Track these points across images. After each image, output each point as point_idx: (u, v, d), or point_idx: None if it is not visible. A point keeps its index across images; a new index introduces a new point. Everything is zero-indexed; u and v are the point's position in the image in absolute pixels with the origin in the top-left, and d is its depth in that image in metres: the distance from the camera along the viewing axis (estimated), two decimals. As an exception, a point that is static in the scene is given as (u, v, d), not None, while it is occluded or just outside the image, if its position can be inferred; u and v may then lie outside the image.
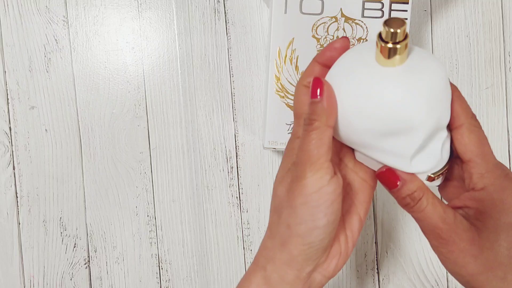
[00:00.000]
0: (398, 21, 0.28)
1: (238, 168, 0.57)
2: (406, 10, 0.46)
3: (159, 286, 0.57)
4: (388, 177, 0.31)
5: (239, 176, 0.57)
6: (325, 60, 0.33)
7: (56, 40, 0.56)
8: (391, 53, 0.29)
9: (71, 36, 0.56)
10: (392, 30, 0.28)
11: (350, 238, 0.33)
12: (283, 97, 0.47)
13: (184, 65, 0.56)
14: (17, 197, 0.56)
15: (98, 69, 0.56)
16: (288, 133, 0.47)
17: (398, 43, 0.28)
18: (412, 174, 0.31)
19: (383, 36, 0.29)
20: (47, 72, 0.56)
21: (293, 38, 0.46)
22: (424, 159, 0.31)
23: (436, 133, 0.31)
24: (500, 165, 0.31)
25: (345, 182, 0.33)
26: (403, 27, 0.28)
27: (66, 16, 0.56)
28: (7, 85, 0.56)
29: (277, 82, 0.46)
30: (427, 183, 0.32)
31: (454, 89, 0.31)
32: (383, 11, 0.46)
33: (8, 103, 0.56)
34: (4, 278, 0.56)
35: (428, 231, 0.31)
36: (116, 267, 0.57)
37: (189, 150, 0.56)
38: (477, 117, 0.32)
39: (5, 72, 0.55)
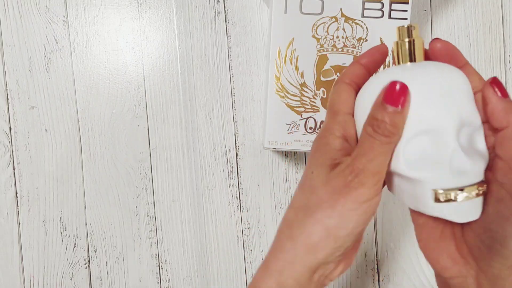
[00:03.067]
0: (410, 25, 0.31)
1: (238, 168, 0.57)
2: (406, 10, 0.46)
3: (159, 286, 0.57)
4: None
5: (239, 176, 0.57)
6: (367, 62, 0.32)
7: (56, 40, 0.56)
8: (410, 49, 0.31)
9: (71, 36, 0.56)
10: (406, 25, 0.31)
11: (356, 247, 0.33)
12: (283, 97, 0.47)
13: (184, 65, 0.56)
14: (17, 197, 0.56)
15: (98, 69, 0.56)
16: (288, 133, 0.47)
17: (414, 39, 0.30)
18: None
19: (398, 36, 0.31)
20: (47, 72, 0.56)
21: (293, 38, 0.46)
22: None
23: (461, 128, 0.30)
24: None
25: None
26: (415, 24, 0.31)
27: (66, 16, 0.56)
28: (7, 85, 0.56)
29: (277, 82, 0.46)
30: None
31: (437, 40, 0.31)
32: (383, 11, 0.46)
33: (8, 103, 0.56)
34: (4, 278, 0.56)
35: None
36: (116, 267, 0.57)
37: (189, 150, 0.56)
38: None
39: (5, 72, 0.55)
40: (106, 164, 0.56)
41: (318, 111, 0.47)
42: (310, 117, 0.47)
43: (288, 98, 0.47)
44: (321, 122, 0.47)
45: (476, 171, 0.29)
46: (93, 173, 0.56)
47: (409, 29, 0.30)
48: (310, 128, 0.47)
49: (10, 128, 0.56)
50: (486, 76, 0.57)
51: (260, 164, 0.57)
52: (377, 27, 0.46)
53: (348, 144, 0.31)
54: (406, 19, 0.46)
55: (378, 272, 0.58)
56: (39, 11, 0.55)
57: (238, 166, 0.57)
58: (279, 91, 0.47)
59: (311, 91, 0.47)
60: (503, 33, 0.57)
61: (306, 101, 0.47)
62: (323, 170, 0.30)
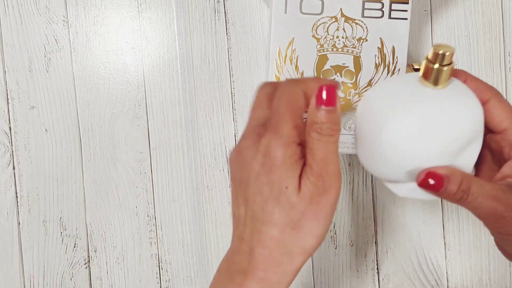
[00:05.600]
0: (447, 46, 0.30)
1: (238, 168, 0.57)
2: (406, 10, 0.46)
3: (159, 286, 0.57)
4: (433, 179, 0.31)
5: (239, 176, 0.57)
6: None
7: (56, 40, 0.56)
8: (437, 75, 0.30)
9: (71, 36, 0.56)
10: (441, 51, 0.30)
11: None
12: (283, 97, 0.47)
13: (184, 65, 0.56)
14: (17, 197, 0.56)
15: (98, 69, 0.56)
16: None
17: (444, 66, 0.30)
18: (447, 166, 0.31)
19: (430, 57, 0.31)
20: (47, 72, 0.56)
21: (293, 38, 0.46)
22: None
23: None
24: None
25: None
26: (451, 51, 0.30)
27: (66, 16, 0.56)
28: (7, 85, 0.56)
29: (277, 82, 0.46)
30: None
31: (463, 73, 0.32)
32: (383, 11, 0.46)
33: (8, 103, 0.56)
34: (4, 278, 0.56)
35: (486, 215, 0.31)
36: (116, 267, 0.57)
37: (189, 150, 0.56)
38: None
39: (5, 72, 0.55)
40: (106, 164, 0.56)
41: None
42: (310, 117, 0.47)
43: (288, 98, 0.47)
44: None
45: None
46: (93, 173, 0.56)
47: (440, 56, 0.30)
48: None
49: (10, 128, 0.56)
50: (486, 76, 0.57)
51: (260, 164, 0.57)
52: (377, 27, 0.46)
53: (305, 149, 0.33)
54: (406, 19, 0.46)
55: (378, 272, 0.58)
56: (39, 11, 0.55)
57: (238, 166, 0.57)
58: (279, 91, 0.47)
59: (311, 91, 0.46)
60: (503, 33, 0.57)
61: (306, 101, 0.47)
62: (296, 183, 0.31)
